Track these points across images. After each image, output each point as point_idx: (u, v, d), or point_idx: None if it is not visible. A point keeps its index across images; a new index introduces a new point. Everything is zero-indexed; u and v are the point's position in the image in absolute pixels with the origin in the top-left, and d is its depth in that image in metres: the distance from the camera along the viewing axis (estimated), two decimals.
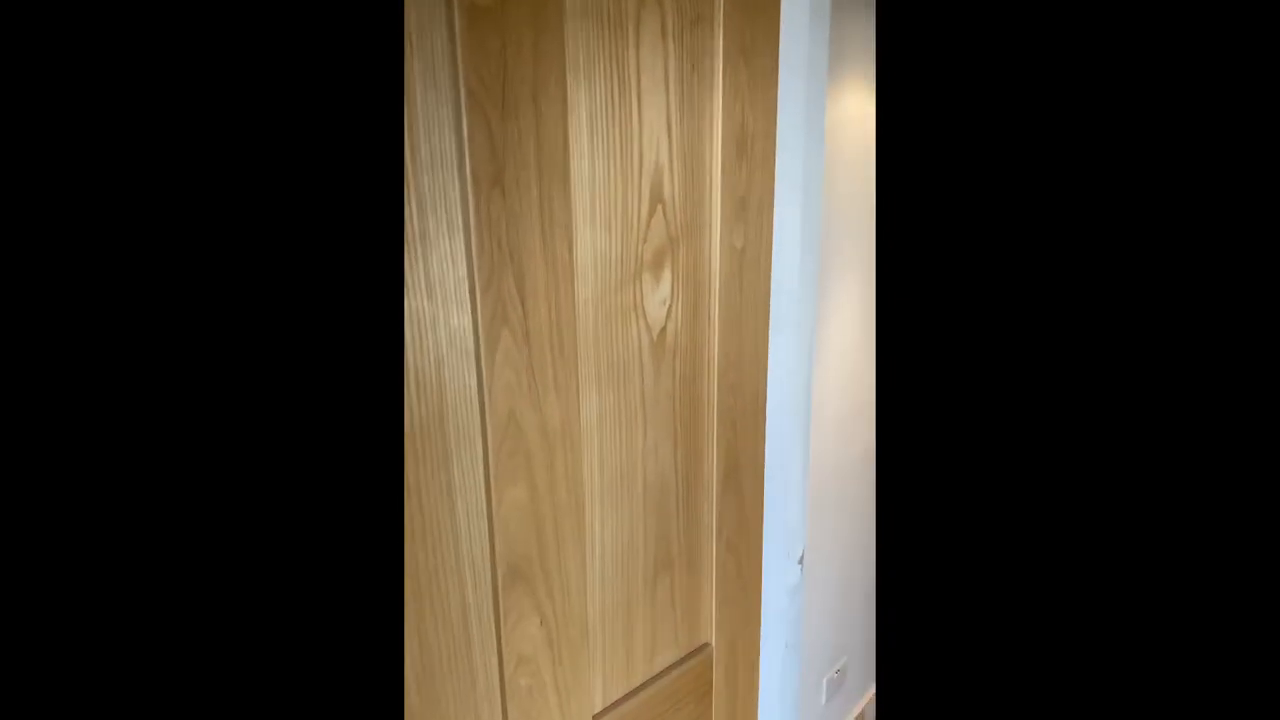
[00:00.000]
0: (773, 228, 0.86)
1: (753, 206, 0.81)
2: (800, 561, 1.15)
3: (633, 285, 0.71)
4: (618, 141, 0.67)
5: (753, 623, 0.96)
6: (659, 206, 0.72)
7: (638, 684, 0.81)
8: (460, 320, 0.57)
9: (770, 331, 0.90)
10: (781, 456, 0.97)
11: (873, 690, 2.22)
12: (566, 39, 0.61)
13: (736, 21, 0.76)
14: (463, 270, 0.57)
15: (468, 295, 0.57)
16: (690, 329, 0.78)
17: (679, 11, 0.71)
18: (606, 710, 0.78)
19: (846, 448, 1.82)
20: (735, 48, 0.76)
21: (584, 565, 0.71)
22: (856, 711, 2.13)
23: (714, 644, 0.90)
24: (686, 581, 0.85)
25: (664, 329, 0.75)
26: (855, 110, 1.61)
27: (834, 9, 1.46)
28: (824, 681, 1.85)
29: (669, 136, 0.72)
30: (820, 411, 1.67)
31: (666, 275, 0.74)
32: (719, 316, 0.80)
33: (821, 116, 1.01)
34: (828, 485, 1.76)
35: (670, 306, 0.76)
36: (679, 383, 0.78)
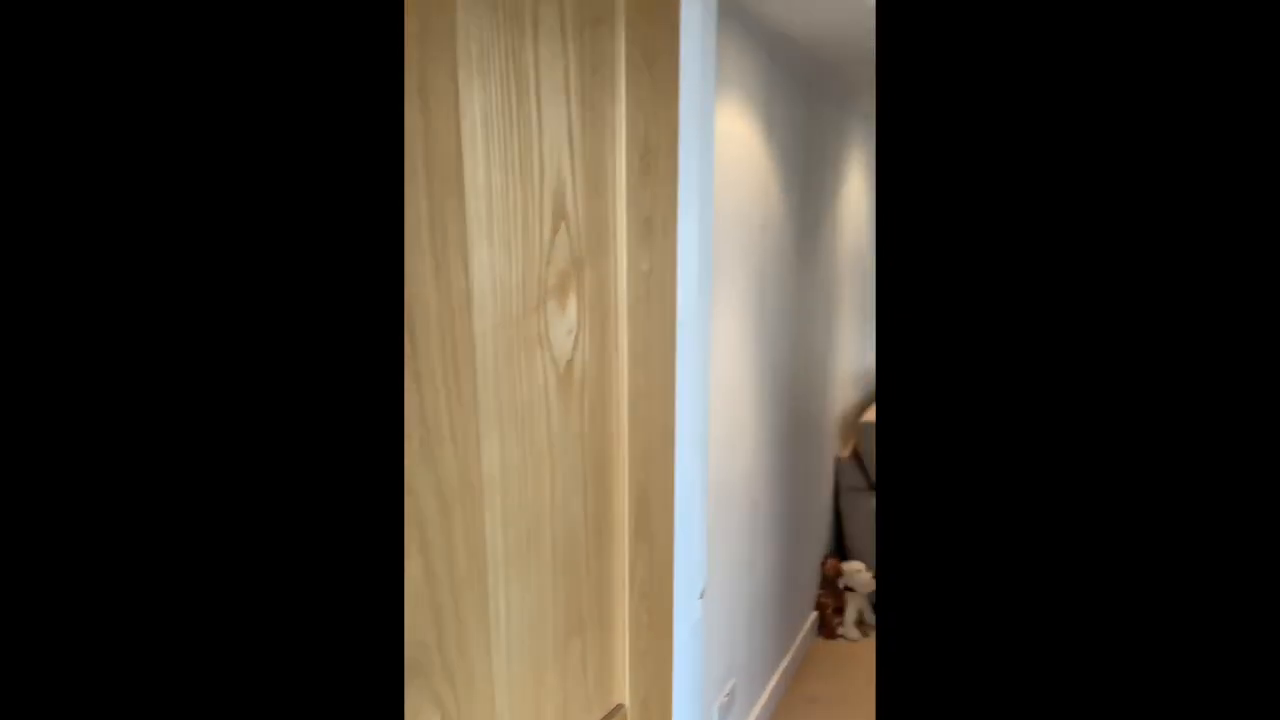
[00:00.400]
0: (676, 249, 0.80)
1: (658, 227, 0.76)
2: (701, 596, 1.10)
3: (536, 313, 0.62)
4: (517, 149, 0.58)
5: (665, 674, 0.89)
6: (562, 224, 0.64)
7: None
8: None
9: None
10: (686, 489, 0.92)
11: (761, 703, 2.24)
12: (458, 27, 0.51)
13: (637, 24, 0.70)
14: None
15: None
16: (598, 360, 0.71)
17: (579, 8, 0.63)
18: None
19: (728, 467, 1.82)
20: (637, 52, 0.70)
21: (489, 644, 0.60)
22: None
23: (628, 703, 0.82)
24: (598, 641, 0.76)
25: (571, 361, 0.67)
26: (730, 127, 1.62)
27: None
28: (715, 707, 1.82)
29: (570, 147, 0.64)
30: None
31: (572, 301, 0.66)
32: (627, 345, 0.73)
33: (711, 132, 0.98)
34: (710, 507, 1.74)
35: (577, 336, 0.67)
36: (588, 420, 0.70)
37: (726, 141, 1.57)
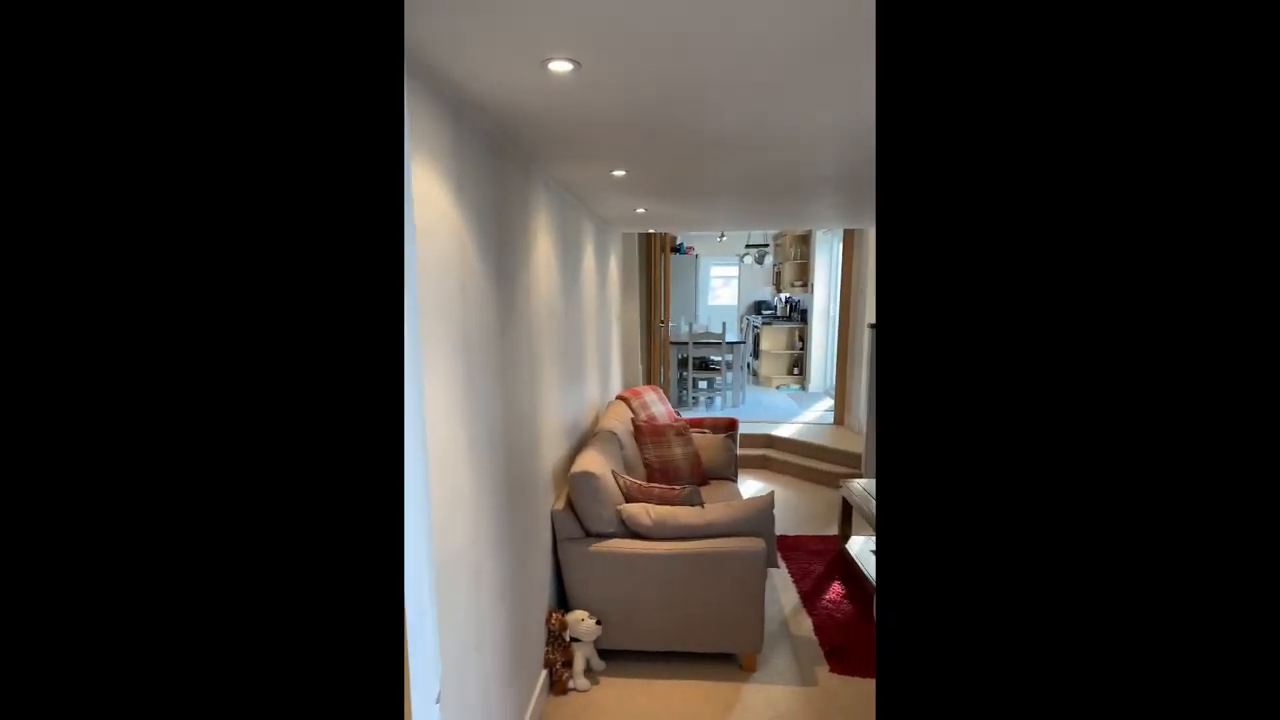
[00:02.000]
0: None
1: None
2: (438, 700, 1.00)
3: None
4: None
5: None
6: None
7: None
8: None
9: None
10: (414, 590, 0.82)
11: None
12: None
13: None
14: None
15: None
16: None
17: None
18: None
19: (448, 543, 1.71)
20: None
21: None
22: None
23: None
24: None
25: None
26: (421, 189, 1.56)
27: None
28: None
29: None
30: None
31: None
32: None
33: (408, 195, 0.93)
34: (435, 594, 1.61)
35: None
36: None
37: (420, 203, 1.51)
